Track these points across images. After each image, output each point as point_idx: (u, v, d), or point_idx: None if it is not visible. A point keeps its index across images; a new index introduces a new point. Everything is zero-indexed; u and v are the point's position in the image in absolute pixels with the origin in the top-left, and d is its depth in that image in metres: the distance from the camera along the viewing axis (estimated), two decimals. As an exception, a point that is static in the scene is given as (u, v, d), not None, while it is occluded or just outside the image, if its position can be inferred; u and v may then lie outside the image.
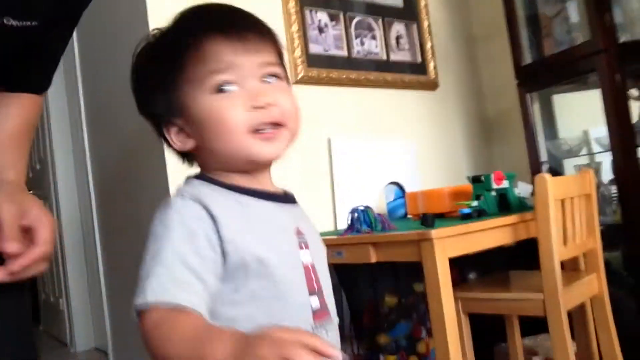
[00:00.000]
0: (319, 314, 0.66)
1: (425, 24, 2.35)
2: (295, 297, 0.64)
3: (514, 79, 2.16)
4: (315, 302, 0.66)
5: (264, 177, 0.70)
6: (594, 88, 1.93)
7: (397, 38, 2.29)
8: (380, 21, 2.21)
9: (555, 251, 1.36)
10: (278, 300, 0.63)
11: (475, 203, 1.55)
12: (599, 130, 2.02)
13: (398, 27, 2.29)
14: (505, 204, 1.57)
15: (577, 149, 2.10)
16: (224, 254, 0.61)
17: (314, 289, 0.66)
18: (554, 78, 2.04)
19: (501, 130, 2.49)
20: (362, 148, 2.05)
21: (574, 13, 2.08)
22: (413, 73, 2.29)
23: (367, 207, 1.53)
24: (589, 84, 2.03)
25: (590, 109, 2.25)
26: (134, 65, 0.70)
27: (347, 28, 2.10)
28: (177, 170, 0.90)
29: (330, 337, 0.67)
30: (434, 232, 1.25)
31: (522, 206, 1.57)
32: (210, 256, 0.60)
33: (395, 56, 2.25)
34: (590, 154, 2.11)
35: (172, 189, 1.55)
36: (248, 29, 0.67)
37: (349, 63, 2.08)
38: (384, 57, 2.20)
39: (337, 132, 1.97)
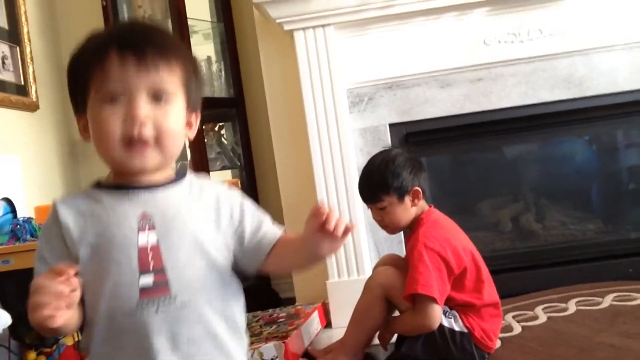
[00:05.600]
0: (151, 291, 0.74)
1: (27, 49, 2.51)
2: (121, 276, 0.74)
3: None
4: (146, 280, 0.74)
5: (143, 176, 0.80)
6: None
7: (3, 59, 2.37)
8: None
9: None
10: (107, 276, 0.75)
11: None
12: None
13: (3, 48, 2.37)
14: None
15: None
16: (67, 245, 0.77)
17: (147, 268, 0.74)
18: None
19: (86, 152, 2.85)
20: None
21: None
22: (18, 94, 2.41)
23: (29, 218, 1.70)
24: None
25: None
26: (69, 62, 0.81)
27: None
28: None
29: (162, 313, 0.74)
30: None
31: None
32: (59, 247, 0.78)
33: (2, 76, 2.34)
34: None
35: None
36: (147, 49, 0.75)
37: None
38: (-7, 75, 2.26)
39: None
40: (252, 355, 1.71)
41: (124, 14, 2.73)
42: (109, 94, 0.75)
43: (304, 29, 2.15)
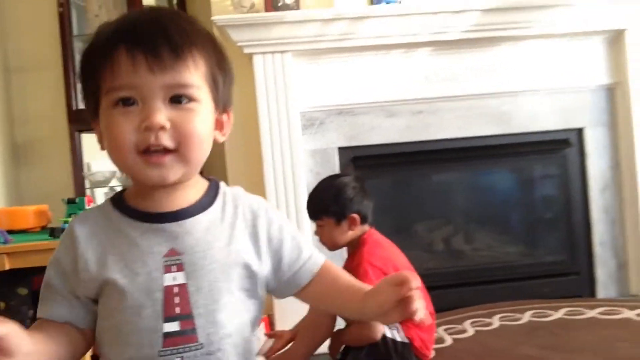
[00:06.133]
0: (176, 339, 0.65)
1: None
2: (144, 321, 0.65)
3: (49, 110, 2.62)
4: (172, 326, 0.65)
5: (169, 193, 0.69)
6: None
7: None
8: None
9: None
10: (127, 321, 0.66)
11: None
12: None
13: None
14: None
15: (107, 181, 2.72)
16: (81, 277, 0.68)
17: (173, 314, 0.66)
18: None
19: (30, 157, 2.80)
20: None
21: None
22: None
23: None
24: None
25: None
26: (80, 60, 0.70)
27: None
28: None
29: None
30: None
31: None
32: (71, 277, 0.69)
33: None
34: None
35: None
36: (161, 45, 0.63)
37: None
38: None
39: None
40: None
41: (75, 25, 2.72)
42: (120, 98, 0.65)
43: (263, 53, 2.27)
